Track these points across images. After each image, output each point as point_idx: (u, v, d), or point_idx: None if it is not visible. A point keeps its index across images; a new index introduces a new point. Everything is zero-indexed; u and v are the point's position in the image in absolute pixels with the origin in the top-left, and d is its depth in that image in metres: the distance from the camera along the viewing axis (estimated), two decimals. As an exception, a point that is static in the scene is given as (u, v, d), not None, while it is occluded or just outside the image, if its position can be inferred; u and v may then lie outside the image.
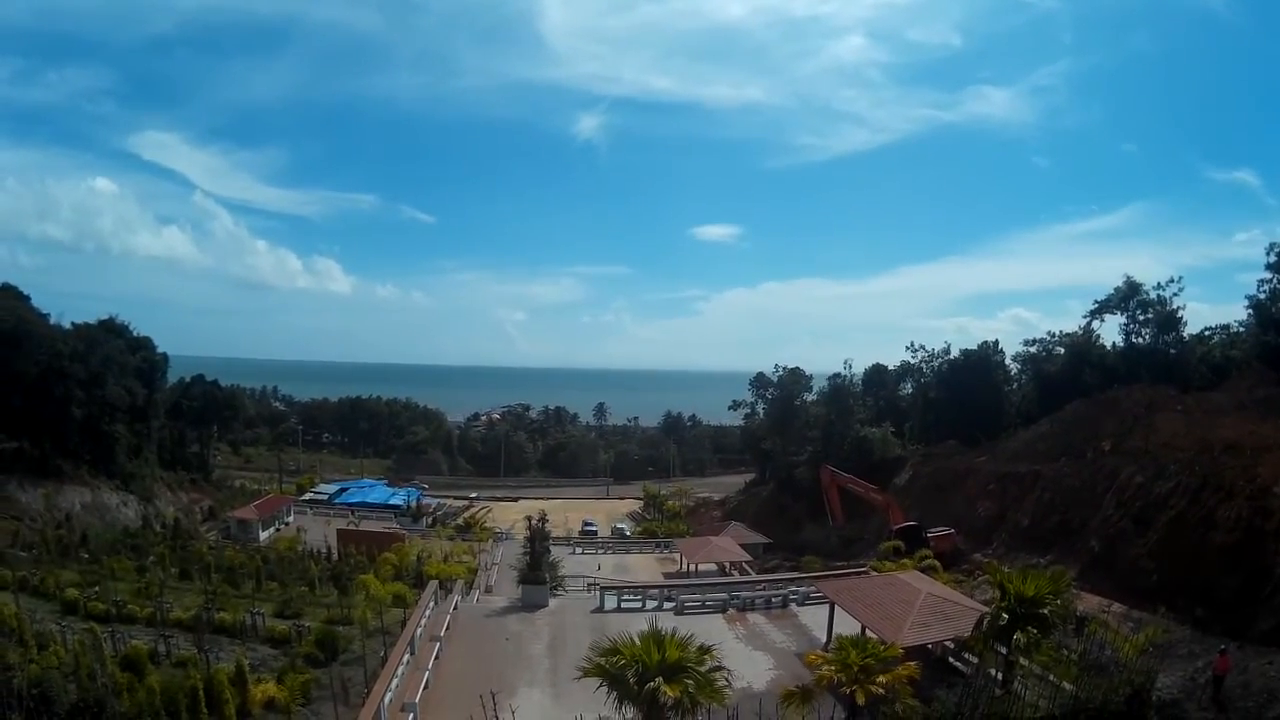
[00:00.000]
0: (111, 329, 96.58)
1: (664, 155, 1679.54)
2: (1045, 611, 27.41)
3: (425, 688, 29.43)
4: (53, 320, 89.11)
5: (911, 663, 25.20)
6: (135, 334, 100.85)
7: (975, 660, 30.02)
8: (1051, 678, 26.07)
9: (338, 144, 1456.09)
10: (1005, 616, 27.38)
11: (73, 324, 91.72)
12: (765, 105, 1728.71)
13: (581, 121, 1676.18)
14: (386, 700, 25.82)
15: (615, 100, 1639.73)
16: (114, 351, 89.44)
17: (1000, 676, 26.77)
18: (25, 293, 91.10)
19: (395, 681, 27.84)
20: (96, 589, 47.26)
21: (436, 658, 32.87)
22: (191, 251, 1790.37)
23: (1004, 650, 27.91)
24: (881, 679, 23.86)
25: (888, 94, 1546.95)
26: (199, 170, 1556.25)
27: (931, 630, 31.46)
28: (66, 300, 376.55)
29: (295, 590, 51.92)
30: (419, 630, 34.21)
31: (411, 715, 26.25)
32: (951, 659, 33.16)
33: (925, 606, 32.32)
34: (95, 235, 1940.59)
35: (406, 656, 30.75)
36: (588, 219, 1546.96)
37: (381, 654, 34.65)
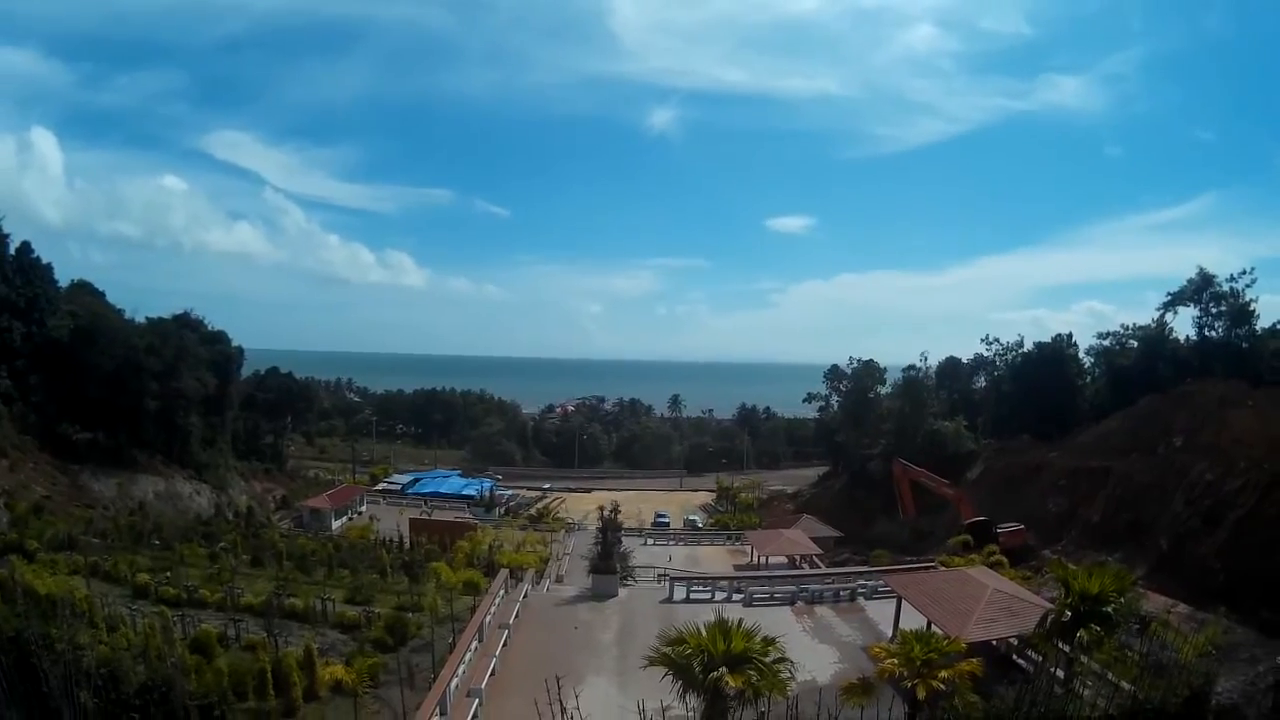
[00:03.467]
0: (186, 323, 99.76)
1: (738, 147, 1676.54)
2: (1108, 610, 27.16)
3: (492, 674, 30.17)
4: (128, 315, 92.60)
5: (974, 659, 25.16)
6: (210, 328, 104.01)
7: (1039, 657, 29.82)
8: (1111, 676, 25.83)
9: (411, 140, 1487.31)
10: (1068, 613, 27.23)
11: (147, 319, 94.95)
12: (838, 96, 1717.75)
13: (655, 115, 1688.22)
14: (453, 685, 26.52)
15: (688, 93, 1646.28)
16: (188, 345, 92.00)
17: (1062, 674, 26.60)
18: (100, 289, 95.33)
19: (462, 667, 28.50)
20: (168, 574, 48.55)
21: (504, 645, 33.56)
22: (264, 247, 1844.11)
23: (1066, 648, 27.72)
24: (943, 674, 23.87)
25: (960, 84, 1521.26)
26: (272, 168, 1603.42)
27: (997, 626, 31.37)
28: (141, 296, 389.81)
29: (366, 577, 52.73)
30: (488, 618, 34.80)
31: (477, 701, 26.93)
32: (1016, 656, 32.88)
33: (992, 602, 32.22)
34: (167, 232, 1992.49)
35: (475, 643, 31.37)
36: (663, 211, 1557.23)
37: (450, 640, 35.39)
